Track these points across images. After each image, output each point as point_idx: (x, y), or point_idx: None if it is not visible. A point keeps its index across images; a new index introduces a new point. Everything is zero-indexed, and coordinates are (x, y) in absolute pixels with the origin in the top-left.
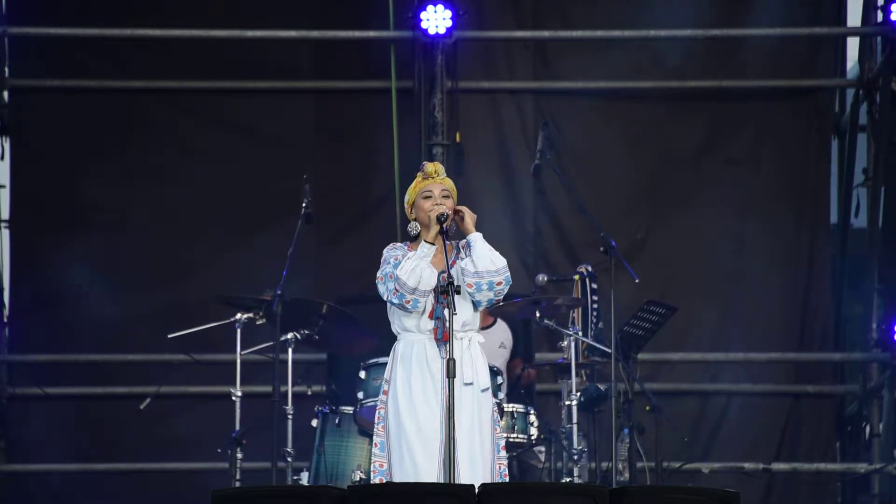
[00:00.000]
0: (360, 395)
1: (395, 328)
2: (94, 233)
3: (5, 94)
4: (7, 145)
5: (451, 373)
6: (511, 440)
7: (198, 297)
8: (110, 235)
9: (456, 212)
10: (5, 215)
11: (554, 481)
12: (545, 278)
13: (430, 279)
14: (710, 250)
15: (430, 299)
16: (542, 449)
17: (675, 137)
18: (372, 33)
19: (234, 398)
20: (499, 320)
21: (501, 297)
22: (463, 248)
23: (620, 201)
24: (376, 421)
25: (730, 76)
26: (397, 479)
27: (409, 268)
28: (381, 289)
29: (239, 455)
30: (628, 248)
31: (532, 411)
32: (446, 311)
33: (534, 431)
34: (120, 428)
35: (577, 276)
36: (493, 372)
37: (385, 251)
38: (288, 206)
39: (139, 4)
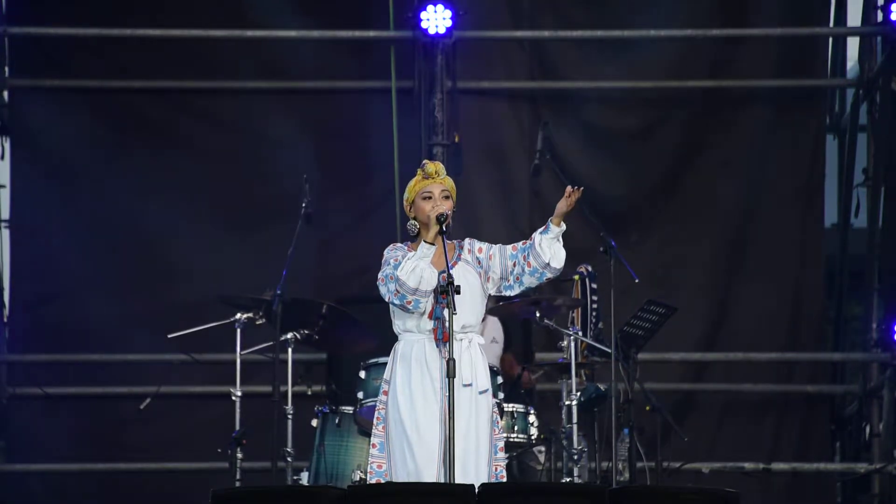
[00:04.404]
0: (360, 395)
1: (396, 328)
2: (93, 232)
3: (5, 94)
4: (7, 145)
5: (451, 373)
6: (511, 440)
7: (198, 297)
8: (110, 235)
9: (569, 195)
10: (5, 215)
11: (554, 481)
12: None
13: (430, 279)
14: (709, 250)
15: (431, 299)
16: (542, 449)
17: (673, 137)
18: (372, 33)
19: (234, 398)
20: (489, 316)
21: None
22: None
23: (617, 201)
24: (375, 421)
25: (729, 76)
26: (398, 479)
27: (410, 268)
28: (383, 290)
29: (239, 455)
30: (625, 249)
31: (532, 411)
32: (446, 312)
33: (534, 431)
34: (120, 428)
35: (576, 276)
36: (493, 372)
37: (386, 252)
38: (288, 206)
39: (139, 4)
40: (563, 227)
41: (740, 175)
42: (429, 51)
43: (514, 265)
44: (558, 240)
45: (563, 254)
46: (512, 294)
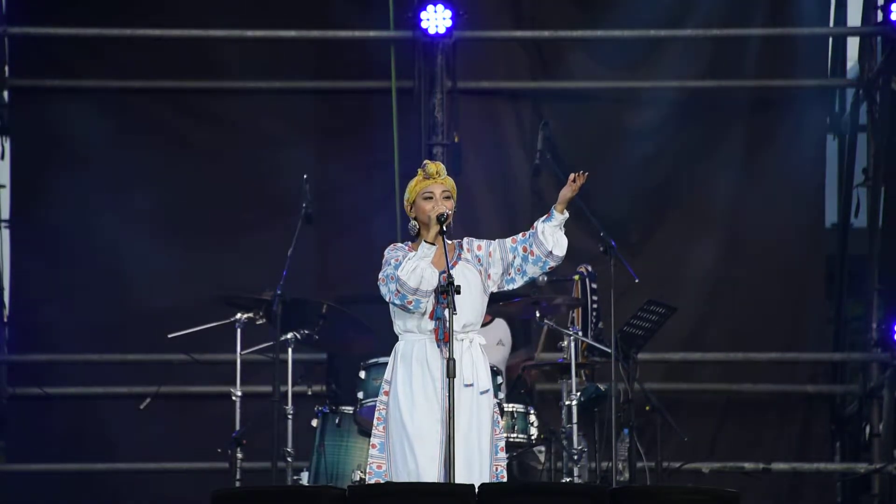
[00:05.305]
0: (360, 395)
1: (396, 329)
2: (93, 233)
3: (5, 94)
4: (7, 145)
5: (450, 372)
6: (511, 440)
7: (198, 297)
8: (110, 235)
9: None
10: (5, 215)
11: (554, 481)
12: (545, 278)
13: (431, 279)
14: (709, 250)
15: (432, 300)
16: (542, 449)
17: (673, 137)
18: (372, 33)
19: (234, 398)
20: (497, 318)
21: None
22: (543, 223)
23: (618, 202)
24: (376, 421)
25: (728, 76)
26: (398, 479)
27: (410, 268)
28: (384, 290)
29: (239, 455)
30: (625, 249)
31: (532, 411)
32: (446, 312)
33: (534, 431)
34: (120, 428)
35: (577, 276)
36: (494, 372)
37: (386, 252)
38: (288, 206)
39: (139, 5)
40: (566, 214)
41: (740, 175)
42: (429, 51)
43: (515, 257)
44: (561, 228)
45: (565, 241)
46: (514, 287)
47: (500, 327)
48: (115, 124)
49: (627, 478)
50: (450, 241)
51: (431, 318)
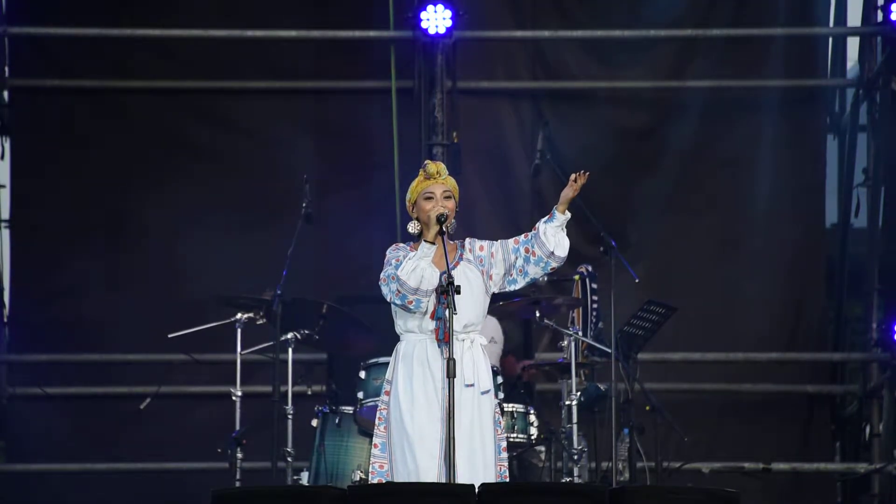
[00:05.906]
0: (360, 395)
1: (398, 328)
2: (93, 232)
3: (5, 94)
4: (7, 145)
5: (451, 372)
6: (511, 440)
7: (198, 297)
8: (110, 235)
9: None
10: (5, 215)
11: (554, 481)
12: (545, 278)
13: (431, 279)
14: (709, 250)
15: (433, 299)
16: (542, 449)
17: (674, 137)
18: (372, 33)
19: (234, 398)
20: (488, 316)
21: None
22: (545, 223)
23: (618, 202)
24: (377, 421)
25: (729, 76)
26: (399, 479)
27: (410, 268)
28: (385, 290)
29: (239, 455)
30: (625, 250)
31: (532, 411)
32: (447, 312)
33: (534, 431)
34: (120, 428)
35: (576, 276)
36: (494, 372)
37: (388, 252)
38: (288, 206)
39: (139, 4)
40: (568, 215)
41: (741, 175)
42: (429, 51)
43: (517, 258)
44: (562, 228)
45: (566, 242)
46: (516, 288)
47: (491, 325)
48: (114, 124)
49: (627, 478)
50: (451, 242)
51: (432, 317)
